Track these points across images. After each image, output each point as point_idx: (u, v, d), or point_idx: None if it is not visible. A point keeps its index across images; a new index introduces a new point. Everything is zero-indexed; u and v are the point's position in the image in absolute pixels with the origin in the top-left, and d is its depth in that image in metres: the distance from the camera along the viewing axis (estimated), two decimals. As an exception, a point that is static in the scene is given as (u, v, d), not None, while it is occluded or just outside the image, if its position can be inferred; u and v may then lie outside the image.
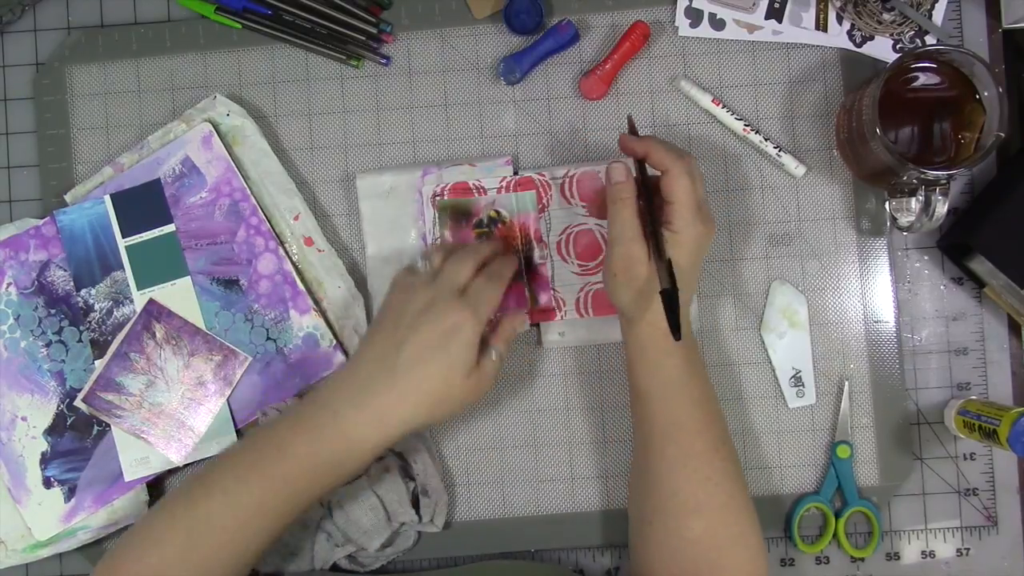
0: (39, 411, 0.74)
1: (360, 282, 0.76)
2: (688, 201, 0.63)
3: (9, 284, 0.74)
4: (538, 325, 0.75)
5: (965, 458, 0.75)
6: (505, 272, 0.68)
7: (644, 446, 0.67)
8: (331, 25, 0.75)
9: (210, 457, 0.73)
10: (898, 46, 0.75)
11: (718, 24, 0.75)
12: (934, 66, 0.68)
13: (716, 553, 0.64)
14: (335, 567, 0.73)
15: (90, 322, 0.74)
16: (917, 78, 0.68)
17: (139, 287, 0.74)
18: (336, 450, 0.63)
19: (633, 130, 0.69)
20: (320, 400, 0.64)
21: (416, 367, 0.62)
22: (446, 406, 0.64)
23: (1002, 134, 0.64)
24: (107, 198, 0.74)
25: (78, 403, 0.73)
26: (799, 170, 0.75)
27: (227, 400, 0.74)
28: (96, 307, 0.74)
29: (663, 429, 0.65)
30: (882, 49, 0.75)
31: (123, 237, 0.74)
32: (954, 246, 0.74)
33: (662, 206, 0.65)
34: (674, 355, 0.65)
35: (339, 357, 0.74)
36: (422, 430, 0.64)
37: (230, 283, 0.75)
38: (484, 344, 0.66)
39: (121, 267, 0.74)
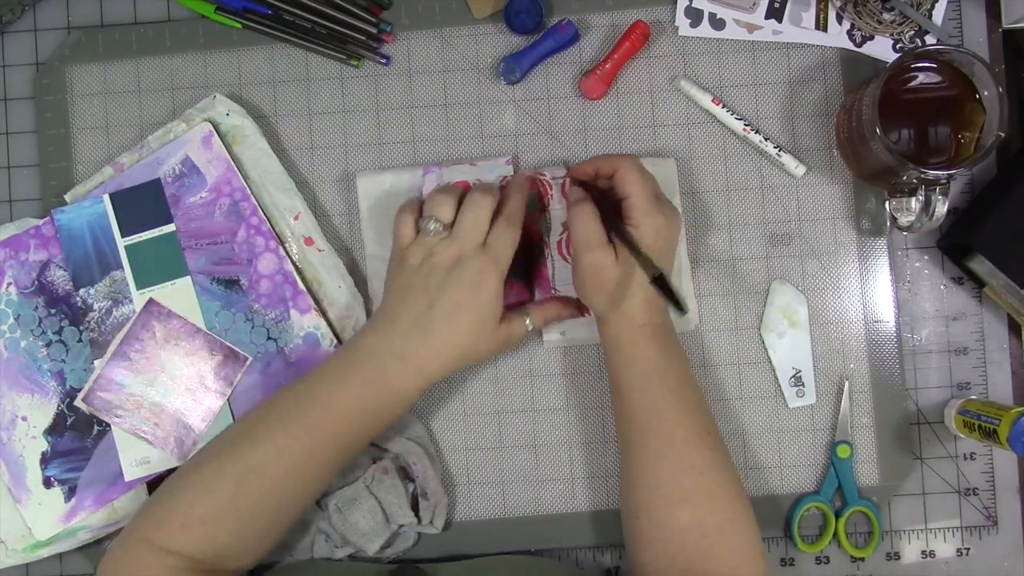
0: (39, 411, 0.74)
1: (360, 282, 0.76)
2: (642, 192, 0.66)
3: (9, 284, 0.74)
4: (538, 325, 0.75)
5: (965, 458, 0.75)
6: (518, 211, 0.69)
7: (627, 440, 0.67)
8: (331, 25, 0.75)
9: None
10: (898, 46, 0.75)
11: (718, 24, 0.75)
12: (934, 66, 0.68)
13: (706, 541, 0.64)
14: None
15: (89, 321, 0.74)
16: (917, 78, 0.68)
17: (139, 287, 0.74)
18: (383, 399, 0.66)
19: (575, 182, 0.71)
20: (362, 351, 0.66)
21: (449, 324, 0.65)
22: (475, 357, 0.68)
23: (1002, 134, 0.64)
24: (106, 197, 0.74)
25: (78, 403, 0.73)
26: (799, 170, 0.75)
27: (227, 400, 0.74)
28: (95, 307, 0.74)
29: (643, 421, 0.66)
30: (882, 49, 0.75)
31: (122, 237, 0.74)
32: (954, 246, 0.74)
33: (619, 210, 0.67)
34: (647, 348, 0.66)
35: (339, 357, 0.74)
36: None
37: (230, 283, 0.75)
38: (524, 308, 0.71)
39: (120, 267, 0.74)
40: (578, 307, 0.73)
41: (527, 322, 0.70)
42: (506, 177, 0.74)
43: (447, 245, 0.66)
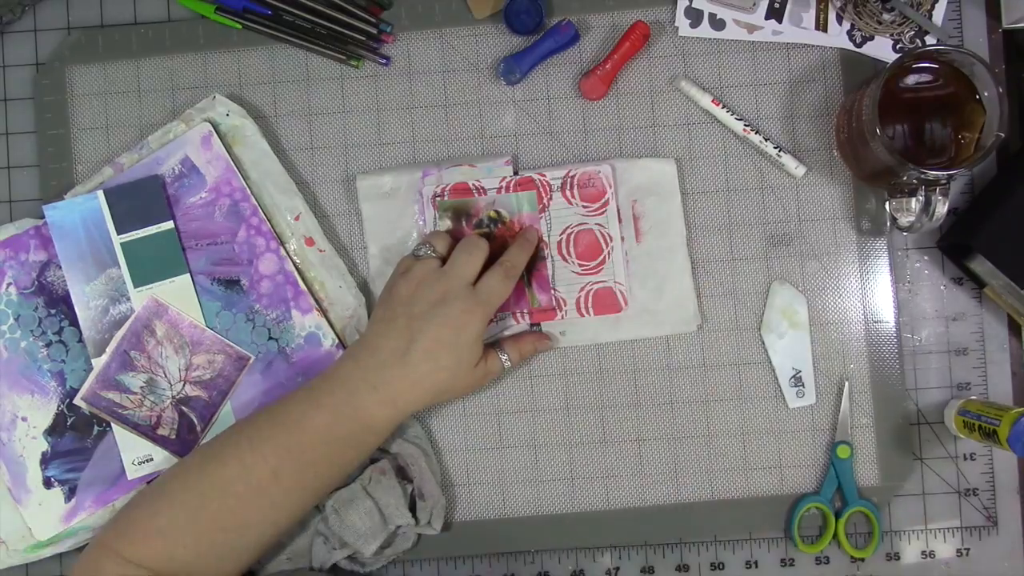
0: (39, 411, 0.74)
1: (361, 282, 0.76)
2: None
3: (9, 284, 0.74)
4: (539, 325, 0.75)
5: (965, 458, 0.75)
6: (519, 265, 0.71)
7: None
8: (331, 25, 0.75)
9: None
10: (898, 46, 0.75)
11: (718, 24, 0.75)
12: (934, 66, 0.68)
13: None
14: (335, 568, 0.73)
15: (85, 320, 0.74)
16: (917, 78, 0.68)
17: (136, 285, 0.74)
18: (352, 426, 0.66)
19: None
20: (337, 378, 0.67)
21: (428, 360, 0.66)
22: (450, 394, 0.69)
23: (1002, 134, 0.64)
24: (100, 194, 0.74)
25: (77, 401, 0.73)
26: (799, 170, 0.75)
27: (229, 399, 0.74)
28: (91, 304, 0.74)
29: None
30: (882, 49, 0.75)
31: (118, 234, 0.74)
32: (954, 246, 0.74)
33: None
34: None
35: (339, 357, 0.74)
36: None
37: (231, 283, 0.75)
38: (499, 344, 0.71)
39: (116, 264, 0.74)
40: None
41: (504, 359, 0.71)
42: (505, 178, 0.74)
43: (436, 279, 0.67)
